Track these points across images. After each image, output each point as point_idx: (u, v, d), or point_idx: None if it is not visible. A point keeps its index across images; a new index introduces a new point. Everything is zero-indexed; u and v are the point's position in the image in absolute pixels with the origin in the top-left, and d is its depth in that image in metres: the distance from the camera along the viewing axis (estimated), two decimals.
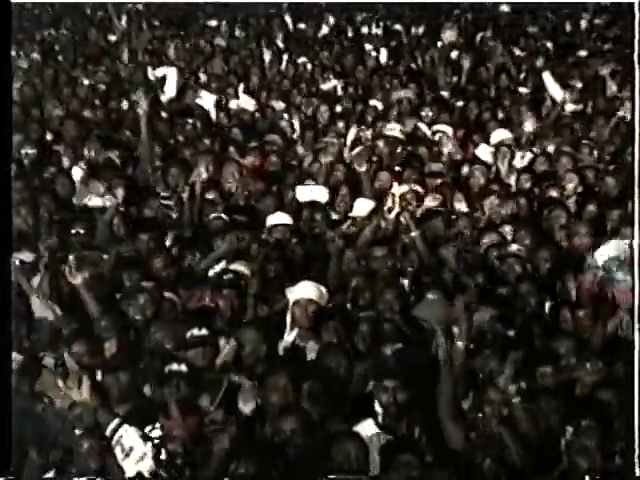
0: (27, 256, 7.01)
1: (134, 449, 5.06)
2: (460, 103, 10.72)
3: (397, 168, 8.84)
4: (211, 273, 7.08)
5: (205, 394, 5.58)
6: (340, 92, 11.40)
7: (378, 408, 5.50)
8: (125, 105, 10.68)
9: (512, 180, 8.78)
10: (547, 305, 6.70)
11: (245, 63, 12.09)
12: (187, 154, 9.08)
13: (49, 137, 9.78)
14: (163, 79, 11.27)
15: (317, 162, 8.80)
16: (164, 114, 10.31)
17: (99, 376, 5.68)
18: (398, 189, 7.53)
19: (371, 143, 9.30)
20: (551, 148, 9.37)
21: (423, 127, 9.88)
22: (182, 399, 5.45)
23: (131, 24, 13.15)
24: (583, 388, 5.76)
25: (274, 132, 9.95)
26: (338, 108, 10.80)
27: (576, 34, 13.29)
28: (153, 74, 11.32)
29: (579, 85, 10.87)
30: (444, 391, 5.41)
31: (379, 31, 13.11)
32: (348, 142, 9.34)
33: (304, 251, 7.46)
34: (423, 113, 10.28)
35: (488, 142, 9.33)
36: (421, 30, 13.09)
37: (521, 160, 9.12)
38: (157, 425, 5.23)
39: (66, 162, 9.05)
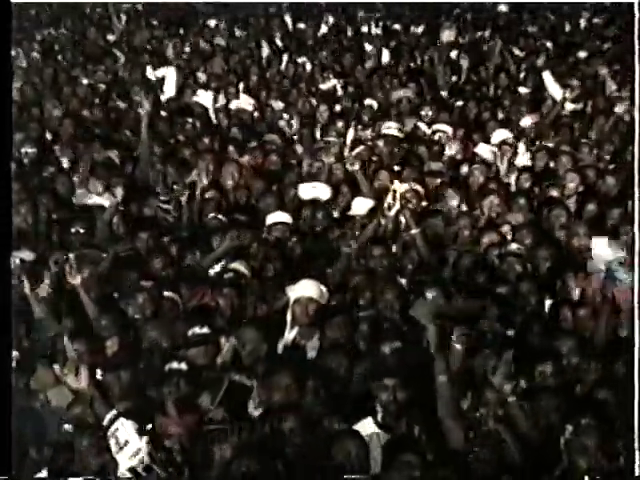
0: (27, 255, 7.01)
1: (129, 443, 5.05)
2: (460, 103, 10.73)
3: (396, 167, 8.85)
4: (211, 272, 7.09)
5: (205, 393, 5.58)
6: (340, 92, 11.39)
7: (378, 407, 5.50)
8: (124, 105, 10.68)
9: (512, 179, 8.78)
10: (547, 304, 6.71)
11: (245, 63, 12.09)
12: (187, 153, 9.08)
13: (49, 136, 9.78)
14: (162, 78, 11.30)
15: (318, 162, 8.80)
16: (164, 113, 10.31)
17: (99, 375, 5.69)
18: (400, 186, 7.53)
19: (371, 142, 9.31)
20: (551, 146, 9.39)
21: (423, 126, 9.89)
22: (182, 397, 5.46)
23: (130, 24, 13.16)
24: (583, 387, 5.77)
25: (273, 131, 9.94)
26: (337, 107, 10.80)
27: (576, 34, 13.30)
28: (154, 74, 11.34)
29: (578, 84, 10.87)
30: (443, 390, 5.41)
31: (379, 31, 13.11)
32: (348, 142, 9.34)
33: (304, 249, 7.47)
34: (423, 112, 10.28)
35: (488, 141, 9.34)
36: (420, 30, 13.09)
37: (521, 157, 9.12)
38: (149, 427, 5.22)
39: (65, 161, 9.04)
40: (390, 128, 9.52)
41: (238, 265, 6.97)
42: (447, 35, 12.46)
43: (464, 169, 8.81)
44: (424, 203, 8.12)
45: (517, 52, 12.20)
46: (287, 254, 7.43)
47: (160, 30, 13.38)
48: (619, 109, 9.77)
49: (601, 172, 8.67)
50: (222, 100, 10.77)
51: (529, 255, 7.15)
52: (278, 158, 9.05)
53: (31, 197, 7.91)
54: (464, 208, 8.06)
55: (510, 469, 5.15)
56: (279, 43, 12.89)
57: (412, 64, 12.12)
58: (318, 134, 10.09)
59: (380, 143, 9.25)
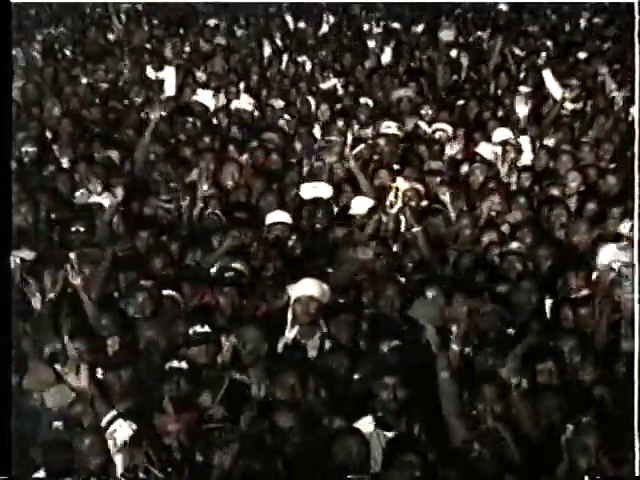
0: (27, 254, 7.01)
1: (127, 444, 5.06)
2: (460, 102, 10.73)
3: (396, 166, 8.85)
4: (212, 271, 7.09)
5: (206, 391, 5.58)
6: (340, 91, 11.39)
7: (378, 405, 5.50)
8: (124, 104, 10.68)
9: (513, 179, 8.78)
10: (549, 303, 6.70)
11: (245, 62, 12.09)
12: (187, 153, 9.08)
13: (49, 135, 9.78)
14: (163, 78, 11.32)
15: (319, 161, 8.82)
16: (163, 113, 10.31)
17: (100, 374, 5.69)
18: (403, 184, 7.53)
19: (371, 141, 9.31)
20: (550, 145, 9.40)
21: (423, 125, 9.89)
22: (181, 396, 5.46)
23: (130, 23, 13.16)
24: (584, 385, 5.76)
25: (273, 130, 9.94)
26: (338, 107, 10.80)
27: (576, 33, 13.30)
28: (155, 74, 11.34)
29: (578, 84, 10.89)
30: (445, 386, 5.41)
31: (379, 30, 13.11)
32: (348, 141, 9.34)
33: (305, 248, 7.47)
34: (423, 112, 10.28)
35: (488, 140, 9.34)
36: (421, 29, 13.09)
37: (523, 156, 9.13)
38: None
39: (65, 160, 9.04)
40: (390, 127, 9.52)
41: (236, 263, 6.97)
42: (446, 34, 12.48)
43: (464, 168, 8.82)
44: (424, 202, 8.12)
45: (517, 51, 12.20)
46: (287, 253, 7.42)
47: (160, 30, 13.38)
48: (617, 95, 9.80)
49: (602, 171, 8.67)
50: (222, 99, 10.76)
51: (530, 254, 7.15)
52: (278, 157, 9.06)
53: (31, 196, 7.90)
54: (464, 207, 8.06)
55: (510, 468, 5.14)
56: (279, 43, 12.89)
57: (412, 63, 12.11)
58: (318, 133, 10.10)
59: (381, 142, 9.25)
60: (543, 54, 11.96)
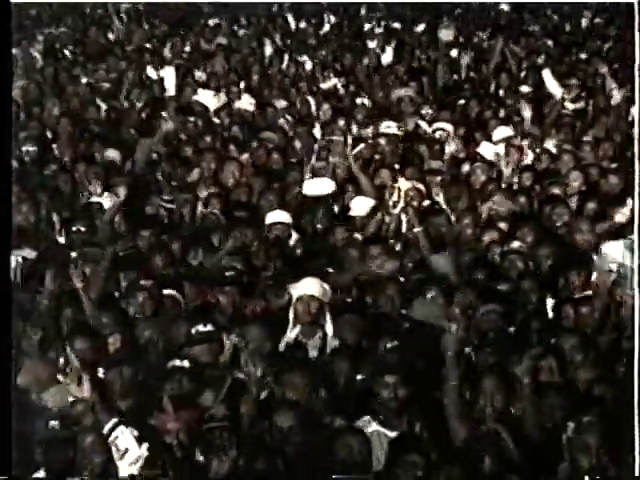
0: (28, 253, 7.01)
1: (129, 451, 5.06)
2: (461, 101, 10.74)
3: (396, 166, 8.86)
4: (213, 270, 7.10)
5: (208, 390, 5.58)
6: (341, 90, 11.40)
7: (379, 404, 5.50)
8: (124, 104, 10.69)
9: (515, 178, 8.79)
10: (551, 302, 6.70)
11: (246, 62, 12.09)
12: (189, 152, 9.09)
13: (49, 135, 9.78)
14: (163, 78, 11.32)
15: (321, 161, 8.82)
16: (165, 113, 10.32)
17: (101, 372, 5.69)
18: (404, 184, 7.53)
19: (372, 141, 9.32)
20: (551, 145, 9.39)
21: (424, 125, 9.89)
22: (182, 394, 5.46)
23: (130, 23, 13.17)
24: (585, 385, 5.76)
25: (273, 130, 9.95)
26: (338, 106, 10.82)
27: (577, 33, 13.31)
28: (157, 74, 11.35)
29: (577, 84, 10.90)
30: (451, 393, 5.41)
31: (380, 30, 13.11)
32: (349, 140, 9.35)
33: (306, 248, 7.47)
34: (424, 111, 10.29)
35: (489, 140, 9.34)
36: (421, 28, 13.10)
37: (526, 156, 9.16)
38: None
39: (65, 160, 9.04)
40: (390, 127, 9.53)
41: (236, 263, 6.98)
42: (445, 34, 12.49)
43: (465, 168, 8.83)
44: (426, 202, 8.12)
45: (518, 51, 12.20)
46: (288, 253, 7.42)
47: (161, 30, 13.39)
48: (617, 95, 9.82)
49: (603, 171, 8.68)
50: (223, 99, 10.77)
51: (531, 253, 7.15)
52: (279, 156, 9.06)
53: (32, 195, 7.90)
54: (465, 207, 8.06)
55: (512, 467, 5.15)
56: (280, 42, 12.89)
57: (413, 63, 12.12)
58: (318, 133, 10.11)
59: (382, 141, 9.26)
60: (543, 54, 11.97)
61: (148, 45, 12.68)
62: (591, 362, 5.86)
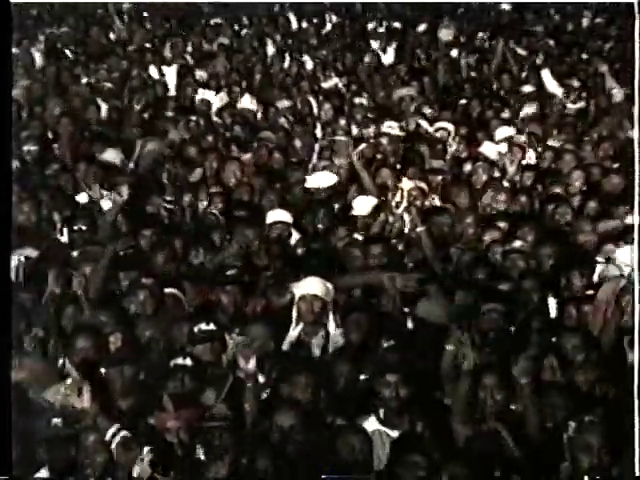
0: (30, 252, 7.02)
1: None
2: (463, 101, 10.75)
3: (398, 166, 8.86)
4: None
5: (210, 389, 5.59)
6: (343, 90, 11.40)
7: (380, 403, 5.50)
8: (126, 104, 10.70)
9: (517, 177, 8.80)
10: (554, 302, 6.70)
11: (248, 62, 12.10)
12: (191, 152, 9.10)
13: (50, 135, 9.79)
14: (165, 77, 11.33)
15: (324, 160, 8.83)
16: (169, 113, 10.33)
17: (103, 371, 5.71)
18: (407, 183, 7.54)
19: (373, 140, 9.32)
20: (553, 145, 9.41)
21: (425, 124, 9.89)
22: (183, 393, 5.48)
23: (131, 23, 13.17)
24: (587, 384, 5.77)
25: (275, 129, 9.95)
26: (338, 105, 10.82)
27: (578, 33, 13.31)
28: (159, 73, 11.36)
29: (577, 84, 10.90)
30: (460, 393, 5.42)
31: (382, 29, 13.12)
32: (351, 140, 9.37)
33: (307, 248, 7.48)
34: (425, 111, 10.29)
35: (491, 139, 9.35)
36: (423, 28, 13.10)
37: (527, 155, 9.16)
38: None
39: (66, 159, 9.05)
40: (392, 127, 9.54)
41: (234, 260, 6.99)
42: (445, 34, 12.50)
43: (467, 167, 8.83)
44: (431, 199, 8.13)
45: (520, 51, 12.20)
46: (289, 252, 7.43)
47: (162, 29, 13.40)
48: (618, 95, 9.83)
49: (605, 170, 8.68)
50: (225, 99, 10.78)
51: (532, 252, 7.16)
52: (281, 156, 9.07)
53: (34, 195, 7.91)
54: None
55: (513, 467, 5.15)
56: (282, 42, 12.89)
57: (414, 63, 12.12)
58: (319, 132, 10.12)
59: (383, 141, 9.27)
60: (541, 54, 11.98)
61: (149, 45, 12.68)
62: (592, 362, 5.86)
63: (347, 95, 11.17)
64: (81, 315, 6.43)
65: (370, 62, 12.01)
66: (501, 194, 8.07)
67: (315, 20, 13.43)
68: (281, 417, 5.31)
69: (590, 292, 6.70)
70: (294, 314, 6.40)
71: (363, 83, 11.50)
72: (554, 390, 5.56)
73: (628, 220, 7.46)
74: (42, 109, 10.32)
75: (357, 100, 10.77)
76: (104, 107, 10.48)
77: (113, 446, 5.15)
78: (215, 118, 10.46)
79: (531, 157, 9.23)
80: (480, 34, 13.02)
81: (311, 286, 6.43)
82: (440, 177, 8.56)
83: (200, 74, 11.63)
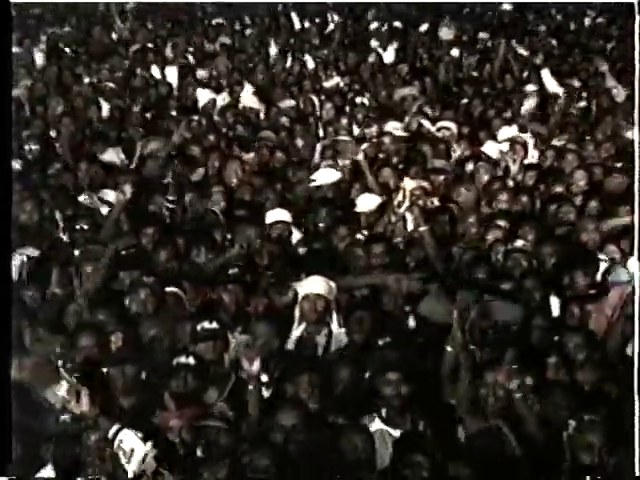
0: (32, 251, 7.02)
1: (135, 451, 5.06)
2: (465, 100, 10.75)
3: (400, 165, 8.86)
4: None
5: (213, 388, 5.59)
6: (345, 89, 11.41)
7: (382, 402, 5.50)
8: (127, 103, 10.71)
9: (519, 177, 8.80)
10: (557, 301, 6.70)
11: (250, 61, 12.11)
12: (194, 151, 9.10)
13: (53, 134, 9.80)
14: (166, 77, 11.34)
15: (327, 159, 8.84)
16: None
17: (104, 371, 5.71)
18: (410, 183, 7.54)
19: (376, 140, 9.33)
20: (555, 144, 9.41)
21: (427, 124, 9.89)
22: (185, 391, 5.48)
23: (133, 23, 13.18)
24: (589, 383, 5.76)
25: (277, 129, 9.95)
26: (340, 104, 10.83)
27: (580, 33, 13.32)
28: (161, 73, 11.37)
29: (577, 84, 10.91)
30: (461, 391, 5.41)
31: (384, 29, 13.12)
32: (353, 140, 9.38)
33: (309, 247, 7.48)
34: (427, 110, 10.29)
35: (494, 139, 9.35)
36: (424, 28, 13.11)
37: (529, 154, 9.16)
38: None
39: (67, 159, 9.06)
40: (394, 126, 9.54)
41: (236, 259, 7.01)
42: (445, 33, 12.50)
43: (469, 167, 8.83)
44: (430, 202, 8.12)
45: (522, 51, 12.21)
46: (290, 251, 7.43)
47: (164, 29, 13.41)
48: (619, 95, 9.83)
49: (608, 169, 8.68)
50: (227, 98, 10.78)
51: (534, 251, 7.15)
52: (283, 155, 9.07)
53: (35, 194, 7.91)
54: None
55: (512, 465, 5.15)
56: (284, 42, 12.90)
57: (416, 63, 12.13)
58: (321, 132, 10.12)
59: (386, 140, 9.27)
60: (542, 54, 11.98)
61: (151, 45, 12.69)
62: (595, 361, 5.86)
63: (349, 95, 11.18)
64: (83, 314, 6.43)
65: (372, 62, 12.01)
66: (503, 193, 8.06)
67: (317, 20, 13.44)
68: (284, 416, 5.31)
69: (593, 291, 6.71)
70: (297, 313, 6.40)
71: (365, 83, 11.51)
72: (557, 389, 5.55)
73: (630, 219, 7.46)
74: (44, 108, 10.32)
75: (359, 100, 10.79)
76: (106, 107, 10.49)
77: (116, 444, 5.15)
78: (217, 117, 10.47)
79: (534, 156, 9.24)
80: (481, 34, 13.04)
81: (314, 285, 6.42)
82: (442, 177, 8.55)
83: (202, 74, 11.65)
